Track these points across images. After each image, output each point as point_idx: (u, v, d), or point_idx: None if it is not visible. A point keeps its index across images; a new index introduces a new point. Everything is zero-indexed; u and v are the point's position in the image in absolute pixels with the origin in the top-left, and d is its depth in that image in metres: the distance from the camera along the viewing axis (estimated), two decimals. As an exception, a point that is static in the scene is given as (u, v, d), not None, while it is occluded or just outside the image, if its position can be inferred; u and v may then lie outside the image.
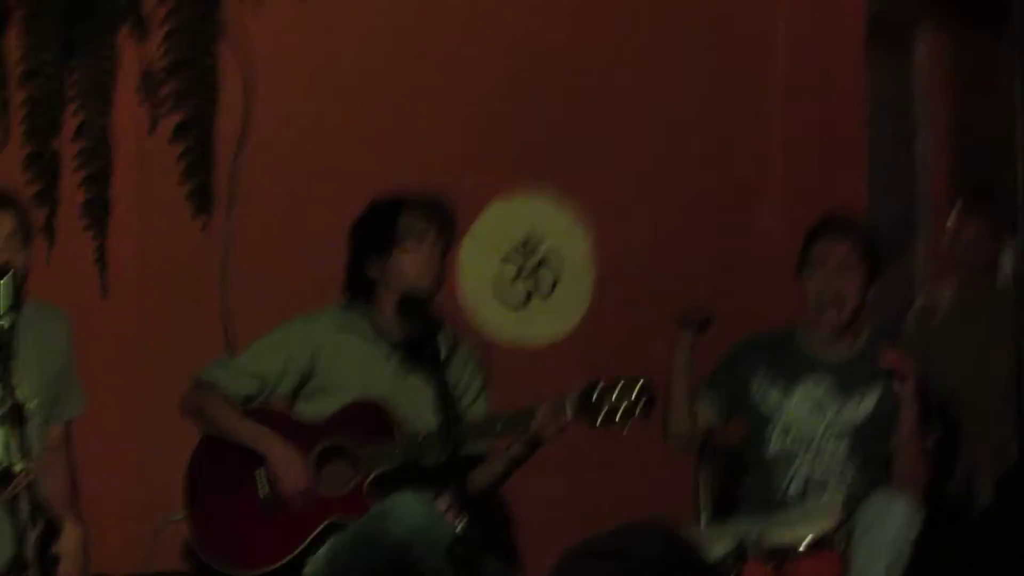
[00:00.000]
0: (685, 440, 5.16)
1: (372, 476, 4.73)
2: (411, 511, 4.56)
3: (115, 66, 5.71)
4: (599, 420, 4.71)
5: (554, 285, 6.20)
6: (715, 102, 6.31)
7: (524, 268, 6.21)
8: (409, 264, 4.82)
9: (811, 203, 5.53)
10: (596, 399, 4.73)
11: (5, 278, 4.20)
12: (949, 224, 6.20)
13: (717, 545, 4.90)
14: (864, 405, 5.12)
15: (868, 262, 5.13)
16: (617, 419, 4.72)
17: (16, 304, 4.21)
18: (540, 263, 6.21)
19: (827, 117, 6.40)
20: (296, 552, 4.69)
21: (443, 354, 4.70)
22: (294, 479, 4.79)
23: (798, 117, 6.37)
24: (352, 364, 4.88)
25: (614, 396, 4.73)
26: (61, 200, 5.69)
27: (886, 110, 6.51)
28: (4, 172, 5.44)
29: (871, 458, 5.07)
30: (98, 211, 5.74)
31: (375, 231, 4.88)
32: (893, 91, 6.50)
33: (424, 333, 4.68)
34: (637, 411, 4.73)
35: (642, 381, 4.75)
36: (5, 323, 4.18)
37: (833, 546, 4.84)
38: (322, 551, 4.68)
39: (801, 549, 4.79)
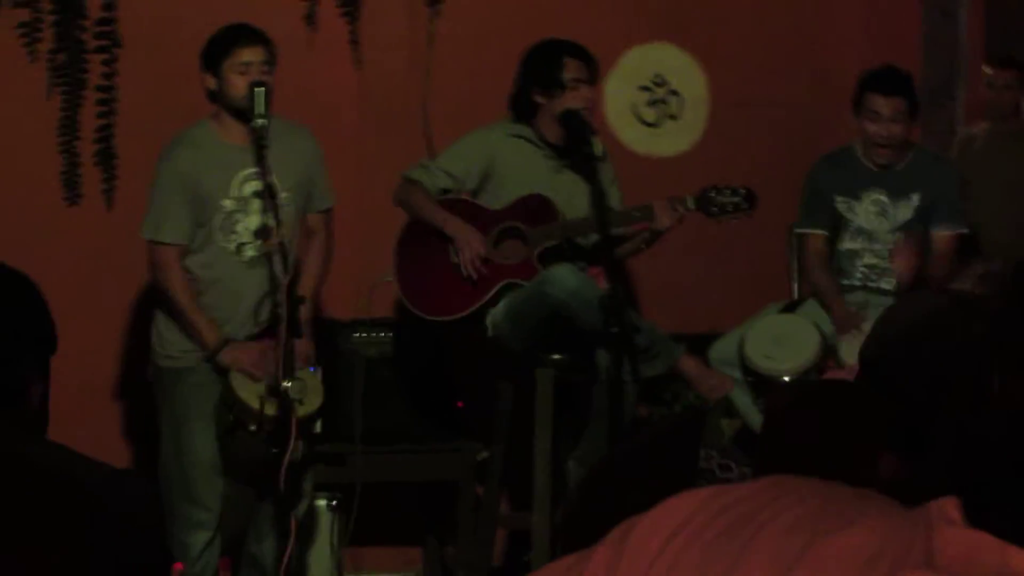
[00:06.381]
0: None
1: (539, 250, 5.11)
2: (565, 277, 4.94)
3: None
4: (713, 211, 5.09)
5: (680, 110, 6.38)
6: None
7: (656, 95, 6.35)
8: (571, 98, 5.09)
9: (879, 55, 5.77)
10: (713, 195, 5.08)
11: (262, 90, 4.61)
12: (985, 70, 6.41)
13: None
14: (911, 205, 5.45)
15: (913, 108, 5.42)
16: (729, 211, 5.08)
17: (267, 111, 4.60)
18: (670, 92, 6.35)
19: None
20: (480, 304, 5.10)
21: (598, 154, 5.03)
22: (472, 250, 5.09)
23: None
24: (520, 165, 5.14)
25: (726, 195, 5.09)
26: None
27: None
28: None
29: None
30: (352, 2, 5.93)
31: (546, 68, 5.13)
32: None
33: (582, 139, 4.99)
34: (744, 207, 5.09)
35: (748, 188, 5.13)
36: (264, 123, 4.59)
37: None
38: (500, 304, 5.10)
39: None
